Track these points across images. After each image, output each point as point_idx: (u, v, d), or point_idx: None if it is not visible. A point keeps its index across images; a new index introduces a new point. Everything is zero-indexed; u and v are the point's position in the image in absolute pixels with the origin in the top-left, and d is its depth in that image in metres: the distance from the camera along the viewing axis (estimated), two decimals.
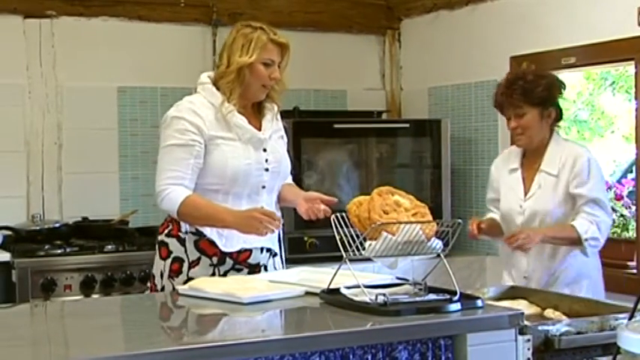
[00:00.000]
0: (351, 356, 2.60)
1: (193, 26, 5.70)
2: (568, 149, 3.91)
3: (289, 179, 3.84)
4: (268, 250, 3.65)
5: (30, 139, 5.33)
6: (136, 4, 5.55)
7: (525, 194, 3.93)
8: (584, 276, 3.89)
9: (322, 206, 3.54)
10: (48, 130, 5.37)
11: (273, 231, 3.42)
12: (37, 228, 5.10)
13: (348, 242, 2.94)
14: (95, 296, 4.79)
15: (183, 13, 5.67)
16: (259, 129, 3.63)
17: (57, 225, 5.16)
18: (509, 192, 3.98)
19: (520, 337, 2.80)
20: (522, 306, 3.28)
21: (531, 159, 3.96)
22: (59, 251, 4.87)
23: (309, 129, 5.27)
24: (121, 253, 4.97)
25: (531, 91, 3.87)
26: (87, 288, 4.81)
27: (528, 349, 2.81)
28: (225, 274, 3.55)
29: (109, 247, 4.97)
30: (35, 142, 5.35)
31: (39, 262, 4.76)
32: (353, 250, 2.92)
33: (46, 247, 4.88)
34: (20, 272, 4.69)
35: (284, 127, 3.83)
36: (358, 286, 2.90)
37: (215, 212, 3.50)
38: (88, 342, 2.60)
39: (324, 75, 6.02)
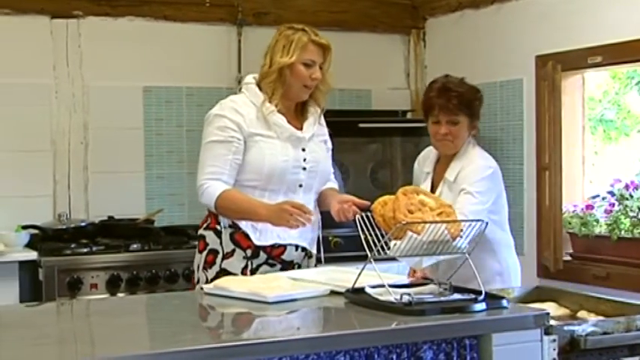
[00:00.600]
0: (375, 356, 2.60)
1: (219, 26, 5.72)
2: (470, 159, 3.82)
3: (334, 184, 3.86)
4: (303, 249, 3.68)
5: (56, 139, 5.37)
6: (162, 4, 5.57)
7: None
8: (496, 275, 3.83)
9: (353, 208, 3.54)
10: (74, 130, 5.40)
11: (304, 224, 3.44)
12: (64, 227, 5.13)
13: (373, 242, 2.94)
14: (121, 295, 4.82)
15: (208, 12, 5.68)
16: (301, 130, 3.66)
17: (83, 224, 5.19)
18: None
19: (546, 338, 2.79)
20: (551, 308, 3.26)
21: (442, 165, 3.90)
22: (85, 250, 4.90)
23: (333, 128, 5.20)
24: (147, 252, 4.99)
25: (470, 102, 3.83)
26: (113, 287, 4.84)
27: (554, 349, 2.80)
28: (257, 268, 3.59)
29: (135, 246, 4.99)
30: (62, 141, 5.38)
31: (65, 260, 4.79)
32: (378, 250, 2.92)
33: (73, 245, 4.91)
34: (47, 271, 4.73)
35: (329, 133, 3.86)
36: (383, 286, 2.90)
37: (250, 205, 3.55)
38: (114, 340, 2.61)
39: (349, 74, 6.00)
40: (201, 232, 3.70)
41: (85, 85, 5.42)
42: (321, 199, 3.76)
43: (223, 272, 3.54)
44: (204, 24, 5.69)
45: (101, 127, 5.45)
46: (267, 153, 3.59)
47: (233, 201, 3.56)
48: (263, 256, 3.61)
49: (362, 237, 2.98)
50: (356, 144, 5.51)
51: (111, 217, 5.34)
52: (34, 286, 4.77)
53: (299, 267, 3.67)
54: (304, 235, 3.65)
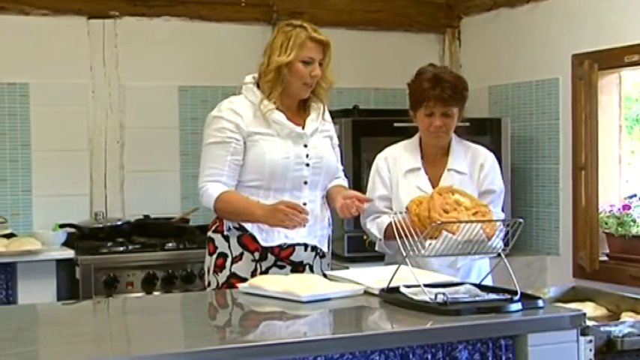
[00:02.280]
0: (410, 355, 2.59)
1: (254, 25, 5.73)
2: (473, 149, 3.85)
3: (343, 181, 3.83)
4: (313, 248, 3.65)
5: (93, 138, 5.41)
6: (197, 3, 5.59)
7: None
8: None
9: (356, 203, 3.51)
10: (110, 129, 5.44)
11: (300, 224, 3.40)
12: (100, 226, 5.16)
13: (408, 241, 2.94)
14: (156, 293, 4.84)
15: (243, 12, 5.70)
16: (303, 127, 3.64)
17: (119, 223, 5.22)
18: (416, 192, 3.62)
19: (582, 338, 2.77)
20: (589, 308, 3.24)
21: (432, 158, 3.81)
22: (121, 249, 4.94)
23: (368, 128, 5.26)
24: (182, 250, 5.01)
25: (461, 91, 3.73)
26: (148, 285, 4.86)
27: (590, 350, 2.78)
28: (267, 271, 3.57)
29: (170, 244, 5.02)
30: (98, 140, 5.42)
31: (102, 259, 4.83)
32: (413, 249, 2.92)
33: (109, 244, 4.95)
34: (84, 269, 4.76)
35: (335, 128, 3.83)
36: (418, 285, 2.89)
37: (246, 206, 3.54)
38: (150, 338, 2.63)
39: (384, 73, 6.01)
40: (210, 234, 3.69)
41: (121, 84, 5.46)
42: (328, 197, 3.73)
43: (233, 276, 3.54)
44: (239, 24, 5.70)
45: (137, 127, 5.49)
46: (267, 150, 3.56)
47: (230, 203, 3.55)
48: (271, 258, 3.59)
49: (397, 236, 2.97)
50: (391, 143, 5.48)
51: (147, 216, 5.38)
52: (71, 285, 4.81)
53: (310, 267, 3.64)
54: (313, 233, 3.62)
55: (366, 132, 5.23)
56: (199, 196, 3.62)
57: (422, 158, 3.81)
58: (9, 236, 4.92)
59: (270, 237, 3.57)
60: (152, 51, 5.52)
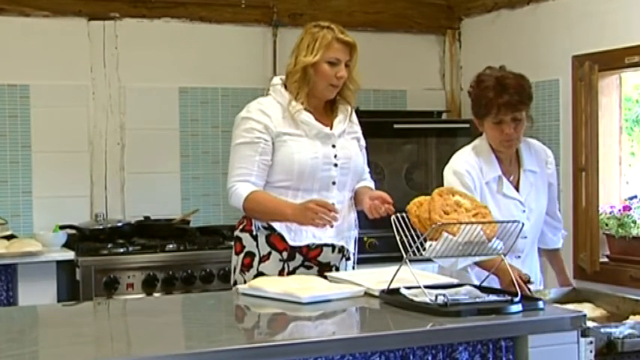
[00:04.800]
0: (411, 357, 2.59)
1: (254, 27, 5.74)
2: (532, 144, 3.81)
3: (369, 183, 3.84)
4: (340, 250, 3.66)
5: (93, 140, 5.41)
6: (198, 5, 5.59)
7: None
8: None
9: (387, 206, 3.52)
10: (111, 131, 5.45)
11: (330, 223, 3.40)
12: (101, 227, 5.17)
13: (409, 242, 2.94)
14: (157, 295, 4.85)
15: (243, 13, 5.70)
16: (331, 128, 3.65)
17: (119, 224, 5.23)
18: (503, 200, 3.64)
19: (582, 340, 2.77)
20: (587, 309, 3.24)
21: (506, 162, 3.70)
22: (122, 250, 4.94)
23: (368, 129, 5.19)
24: (182, 252, 5.02)
25: (527, 92, 3.64)
26: (149, 286, 4.87)
27: (591, 351, 2.78)
28: (294, 271, 3.58)
29: (171, 246, 5.02)
30: (99, 142, 5.42)
31: (102, 260, 4.83)
32: (413, 251, 2.92)
33: (109, 245, 4.95)
34: (84, 270, 4.77)
35: (362, 130, 3.83)
36: (418, 287, 2.89)
37: (276, 206, 3.54)
38: (150, 340, 2.63)
39: (384, 75, 6.01)
40: (237, 233, 3.69)
41: (122, 86, 5.46)
42: (355, 198, 3.73)
43: (261, 275, 3.54)
44: (239, 25, 5.71)
45: (137, 128, 5.49)
46: (295, 151, 3.57)
47: (260, 202, 3.55)
48: (299, 258, 3.60)
49: (397, 238, 2.97)
50: (391, 145, 5.51)
51: (147, 218, 5.38)
52: (71, 286, 4.81)
53: (337, 269, 3.65)
54: (341, 234, 3.63)
55: (366, 133, 5.23)
56: (228, 196, 3.61)
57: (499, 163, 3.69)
58: (9, 238, 4.93)
59: (299, 237, 3.58)
60: (152, 52, 5.52)
